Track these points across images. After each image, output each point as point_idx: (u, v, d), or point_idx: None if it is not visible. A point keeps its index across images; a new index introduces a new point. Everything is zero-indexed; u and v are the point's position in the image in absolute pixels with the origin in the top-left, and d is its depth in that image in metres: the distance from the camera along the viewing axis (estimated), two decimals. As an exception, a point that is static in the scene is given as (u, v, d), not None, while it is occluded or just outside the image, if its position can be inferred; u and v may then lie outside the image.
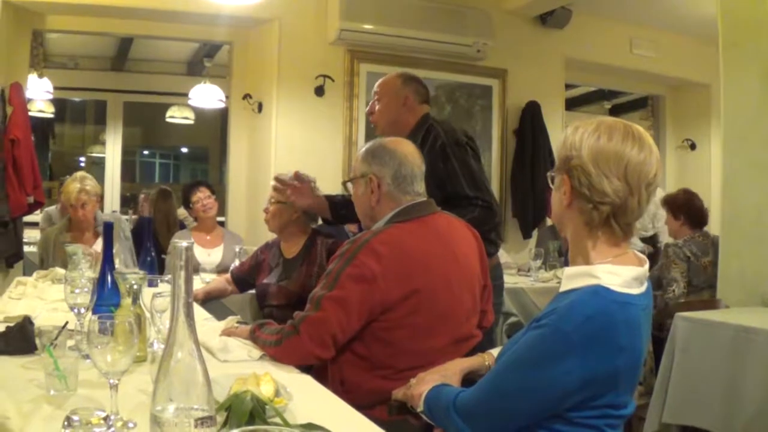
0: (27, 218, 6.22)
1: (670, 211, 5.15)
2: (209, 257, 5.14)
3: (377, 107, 3.59)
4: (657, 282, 4.81)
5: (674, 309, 3.92)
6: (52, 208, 7.37)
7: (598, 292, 1.66)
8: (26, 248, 6.16)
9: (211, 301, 4.07)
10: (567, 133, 1.78)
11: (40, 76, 7.74)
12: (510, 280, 5.12)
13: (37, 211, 6.66)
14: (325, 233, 4.10)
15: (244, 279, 4.17)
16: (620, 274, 1.69)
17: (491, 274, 2.99)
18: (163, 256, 4.76)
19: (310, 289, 2.50)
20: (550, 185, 1.85)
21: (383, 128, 3.58)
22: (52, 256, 4.70)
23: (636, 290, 1.71)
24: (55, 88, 8.33)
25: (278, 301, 3.81)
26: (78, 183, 4.71)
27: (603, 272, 1.69)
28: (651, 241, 7.56)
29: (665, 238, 7.78)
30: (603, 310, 1.63)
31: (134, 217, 7.53)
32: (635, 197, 1.70)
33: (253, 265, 4.14)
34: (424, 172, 2.64)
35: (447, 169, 3.30)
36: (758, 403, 3.16)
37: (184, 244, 1.18)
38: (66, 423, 1.49)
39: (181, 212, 6.60)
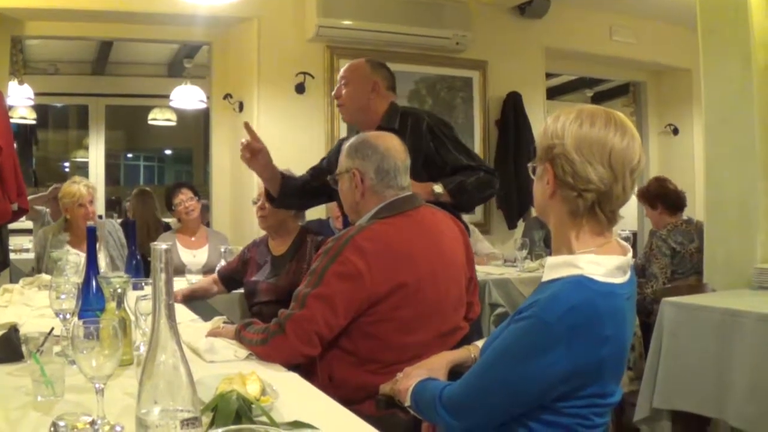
0: (12, 226, 6.18)
1: (646, 203, 5.15)
2: (194, 258, 5.10)
3: (344, 91, 3.49)
4: (641, 270, 4.82)
5: (661, 294, 3.92)
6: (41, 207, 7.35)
7: (581, 282, 1.65)
8: (12, 256, 6.12)
9: (197, 301, 4.04)
10: (548, 123, 1.78)
11: (21, 82, 7.71)
12: (496, 270, 5.15)
13: (22, 218, 6.63)
14: (313, 231, 4.10)
15: (231, 277, 4.16)
16: (603, 263, 1.69)
17: None
18: (149, 258, 4.74)
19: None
20: (532, 176, 1.85)
21: (351, 113, 3.55)
22: (48, 255, 4.71)
23: (619, 279, 1.71)
24: (36, 94, 8.31)
25: (268, 297, 3.81)
26: (77, 184, 4.77)
27: (585, 262, 1.68)
28: None
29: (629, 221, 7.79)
30: (586, 301, 1.62)
31: (120, 220, 7.51)
32: (620, 184, 1.70)
33: (241, 263, 4.13)
34: (408, 166, 2.65)
35: (438, 148, 3.33)
36: (747, 386, 3.17)
37: (163, 246, 1.18)
38: (52, 429, 1.49)
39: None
